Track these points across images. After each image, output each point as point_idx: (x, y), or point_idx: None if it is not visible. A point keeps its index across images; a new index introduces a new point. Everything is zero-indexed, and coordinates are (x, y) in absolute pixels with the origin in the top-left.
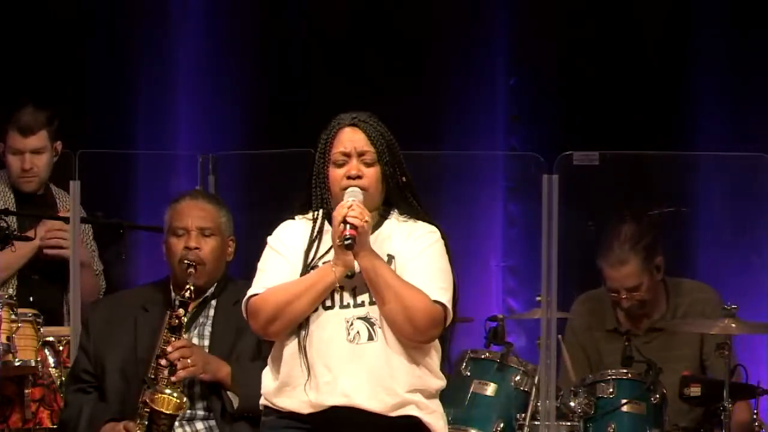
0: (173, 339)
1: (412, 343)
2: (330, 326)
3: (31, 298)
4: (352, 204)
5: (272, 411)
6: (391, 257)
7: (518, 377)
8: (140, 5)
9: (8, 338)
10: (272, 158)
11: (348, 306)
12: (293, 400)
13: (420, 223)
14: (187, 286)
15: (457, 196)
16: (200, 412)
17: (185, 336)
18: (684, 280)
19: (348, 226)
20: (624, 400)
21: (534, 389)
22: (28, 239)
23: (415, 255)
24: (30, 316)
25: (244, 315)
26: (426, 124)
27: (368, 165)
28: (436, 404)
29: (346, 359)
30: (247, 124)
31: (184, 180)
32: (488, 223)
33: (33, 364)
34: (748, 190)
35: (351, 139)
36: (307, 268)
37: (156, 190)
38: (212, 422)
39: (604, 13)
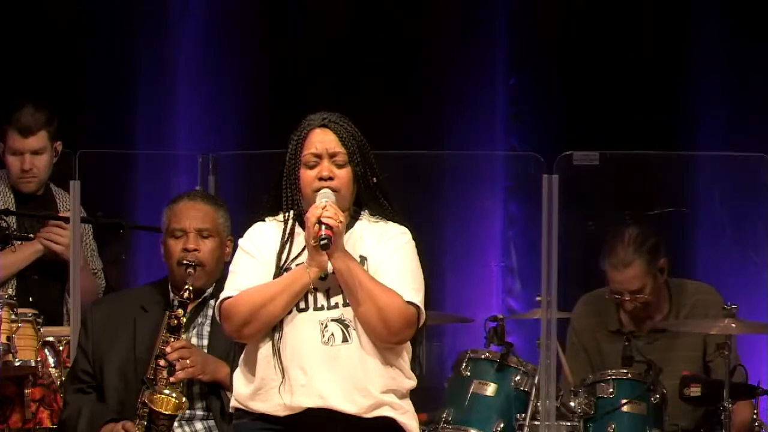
0: (172, 339)
1: (386, 344)
2: (304, 328)
3: (31, 298)
4: (326, 205)
5: (245, 413)
6: (363, 258)
7: (518, 377)
8: (140, 5)
9: (8, 338)
10: (272, 158)
11: (322, 308)
12: (267, 403)
13: (391, 224)
14: (186, 287)
15: (457, 196)
16: (199, 412)
17: (184, 336)
18: (687, 281)
19: (323, 226)
20: (624, 400)
21: (534, 389)
22: (29, 239)
23: (388, 256)
24: (30, 316)
25: (218, 318)
26: (426, 124)
27: (340, 166)
28: (408, 404)
29: (320, 361)
30: (247, 124)
31: (184, 180)
32: (488, 223)
33: (33, 364)
34: (748, 190)
35: (322, 140)
36: (281, 270)
37: (156, 190)
38: (211, 422)
39: (604, 13)
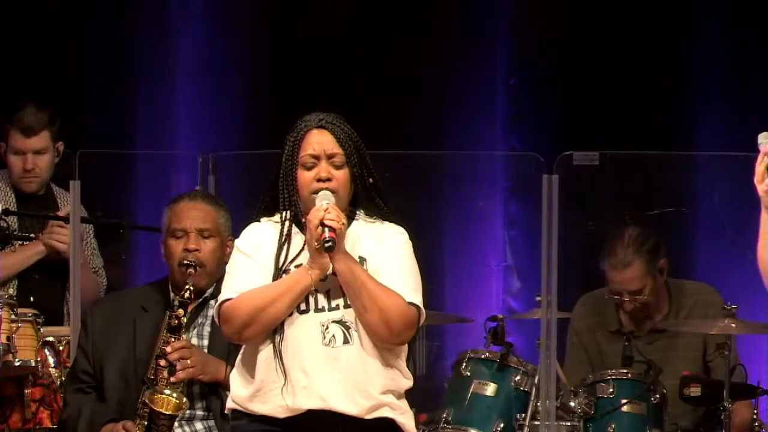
0: (172, 339)
1: (387, 345)
2: (305, 330)
3: (31, 298)
4: (328, 207)
5: (243, 415)
6: (362, 259)
7: (518, 377)
8: (140, 5)
9: (8, 338)
10: (272, 158)
11: (323, 309)
12: (267, 405)
13: (387, 224)
14: (187, 287)
15: (457, 196)
16: (199, 412)
17: (184, 336)
18: (687, 281)
19: (326, 229)
20: (624, 400)
21: (534, 389)
22: (29, 239)
23: (387, 256)
24: (30, 316)
25: (216, 320)
26: (426, 124)
27: (337, 167)
28: (405, 404)
29: (322, 363)
30: (247, 124)
31: (184, 180)
32: (488, 223)
33: (33, 364)
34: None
35: (319, 141)
36: (280, 271)
37: (156, 190)
38: (211, 422)
39: (604, 13)
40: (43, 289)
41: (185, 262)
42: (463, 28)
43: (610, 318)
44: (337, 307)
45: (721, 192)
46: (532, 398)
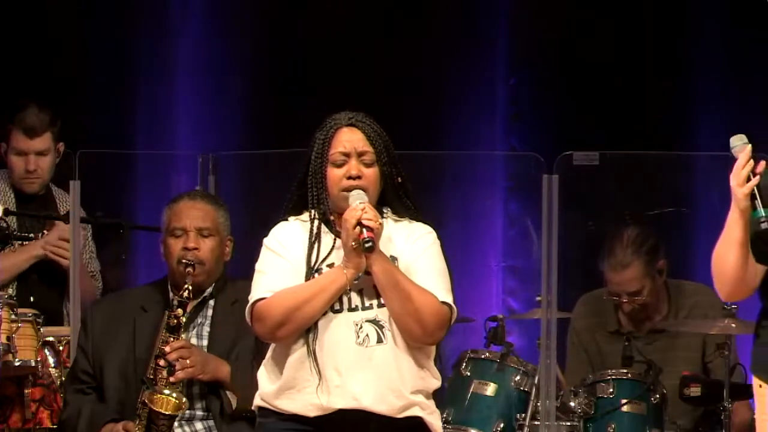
0: (172, 339)
1: (420, 344)
2: (339, 329)
3: (31, 298)
4: (364, 206)
5: (271, 413)
6: (394, 258)
7: (518, 377)
8: (140, 5)
9: (8, 338)
10: (272, 158)
11: (356, 309)
12: (297, 403)
13: (416, 223)
14: (186, 286)
15: (457, 196)
16: (199, 412)
17: (183, 336)
18: (686, 282)
19: (364, 229)
20: (624, 400)
21: (534, 389)
22: (29, 239)
23: (417, 256)
24: (30, 316)
25: (248, 320)
26: (426, 124)
27: (367, 165)
28: (433, 404)
29: (355, 362)
30: (247, 124)
31: (184, 180)
32: (488, 223)
33: (33, 364)
34: None
35: (350, 139)
36: (312, 271)
37: (156, 190)
38: (211, 422)
39: (604, 13)
40: (43, 289)
41: (184, 260)
42: (463, 28)
43: (610, 318)
44: (371, 307)
45: (721, 192)
46: (532, 398)
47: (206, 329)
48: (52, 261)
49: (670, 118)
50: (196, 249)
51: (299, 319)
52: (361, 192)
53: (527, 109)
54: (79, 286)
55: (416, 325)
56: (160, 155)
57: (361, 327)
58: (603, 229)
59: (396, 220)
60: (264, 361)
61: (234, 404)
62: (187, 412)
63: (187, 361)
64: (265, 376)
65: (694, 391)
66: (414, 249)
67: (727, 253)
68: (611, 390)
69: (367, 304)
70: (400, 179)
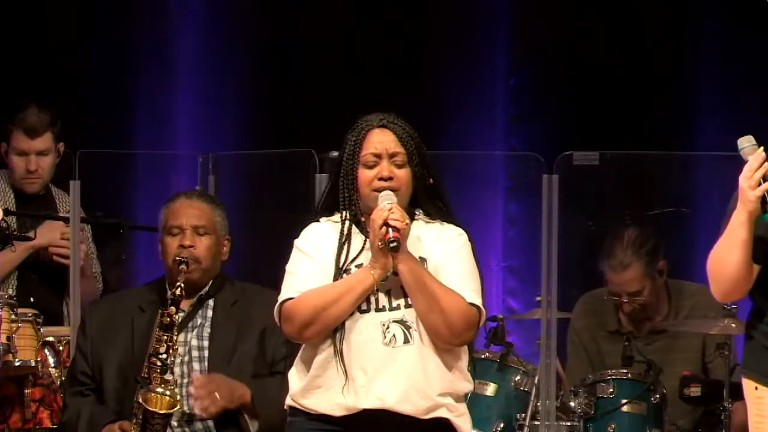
0: (165, 337)
1: (447, 345)
2: (366, 329)
3: (31, 298)
4: (392, 207)
5: (300, 412)
6: (423, 259)
7: (518, 377)
8: (140, 5)
9: (8, 338)
10: (272, 158)
11: (383, 309)
12: (324, 402)
13: (447, 225)
14: (178, 284)
15: (457, 196)
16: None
17: (182, 337)
18: (686, 282)
19: (390, 229)
20: (624, 400)
21: (534, 389)
22: (28, 239)
23: (447, 257)
24: (30, 316)
25: (276, 319)
26: (426, 124)
27: (399, 166)
28: (463, 407)
29: (382, 362)
30: (247, 124)
31: (184, 180)
32: (488, 223)
33: (33, 364)
34: None
35: (381, 140)
36: (341, 271)
37: (156, 190)
38: (210, 422)
39: (604, 13)
40: (43, 289)
41: (178, 258)
42: (463, 28)
43: (610, 318)
44: (398, 307)
45: (721, 192)
46: (532, 398)
47: (207, 330)
48: (56, 261)
49: (670, 118)
50: (192, 247)
51: (326, 319)
52: (389, 192)
53: (527, 109)
54: (82, 287)
55: (443, 326)
56: (160, 155)
57: (388, 327)
58: (603, 229)
59: (427, 222)
60: (295, 361)
61: (254, 429)
62: (187, 412)
63: (216, 394)
64: (295, 375)
65: (694, 391)
66: (444, 250)
67: (730, 254)
68: (611, 390)
69: (394, 304)
70: (431, 180)
